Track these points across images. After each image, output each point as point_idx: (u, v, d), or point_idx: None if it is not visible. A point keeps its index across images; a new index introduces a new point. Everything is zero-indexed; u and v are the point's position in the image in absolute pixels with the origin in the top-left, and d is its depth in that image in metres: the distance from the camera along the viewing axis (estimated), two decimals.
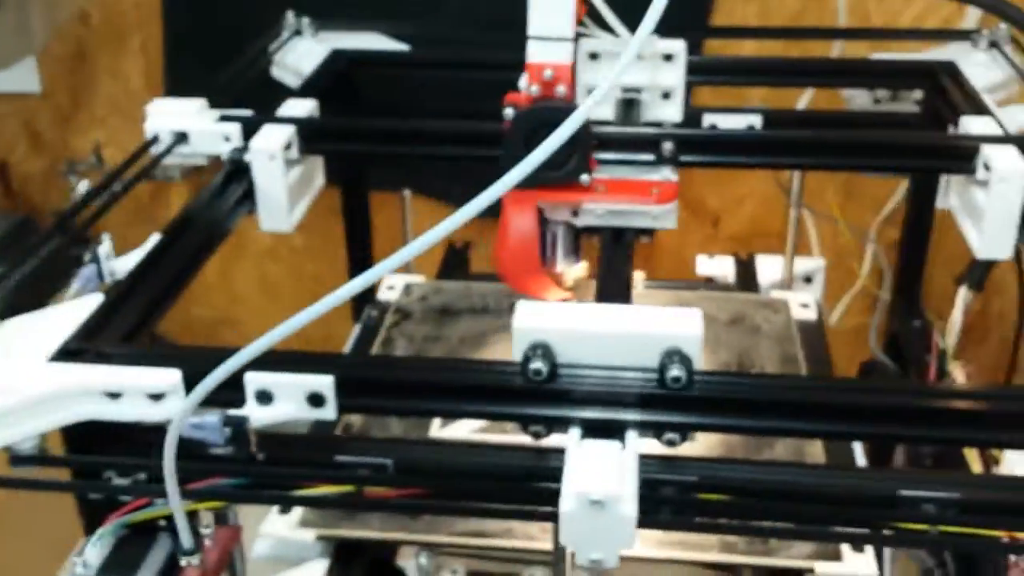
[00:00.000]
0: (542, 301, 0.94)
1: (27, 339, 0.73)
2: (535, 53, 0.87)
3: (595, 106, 1.01)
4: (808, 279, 1.31)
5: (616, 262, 0.87)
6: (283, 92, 1.13)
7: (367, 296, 1.28)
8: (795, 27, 1.61)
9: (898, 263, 1.33)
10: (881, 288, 1.44)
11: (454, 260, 1.35)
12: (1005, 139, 0.91)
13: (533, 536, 0.89)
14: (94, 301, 0.77)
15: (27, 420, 0.68)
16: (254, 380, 0.68)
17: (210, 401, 0.68)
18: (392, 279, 1.25)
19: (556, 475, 0.63)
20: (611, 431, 0.65)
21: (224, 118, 1.01)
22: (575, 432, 0.65)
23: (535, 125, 0.86)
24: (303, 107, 1.05)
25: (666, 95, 1.04)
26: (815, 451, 0.98)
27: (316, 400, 0.69)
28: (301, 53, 1.25)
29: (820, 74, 1.27)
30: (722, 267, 1.30)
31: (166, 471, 0.63)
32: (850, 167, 1.14)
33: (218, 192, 0.96)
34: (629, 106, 1.06)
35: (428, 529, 0.88)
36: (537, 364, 0.64)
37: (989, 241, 0.90)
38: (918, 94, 1.20)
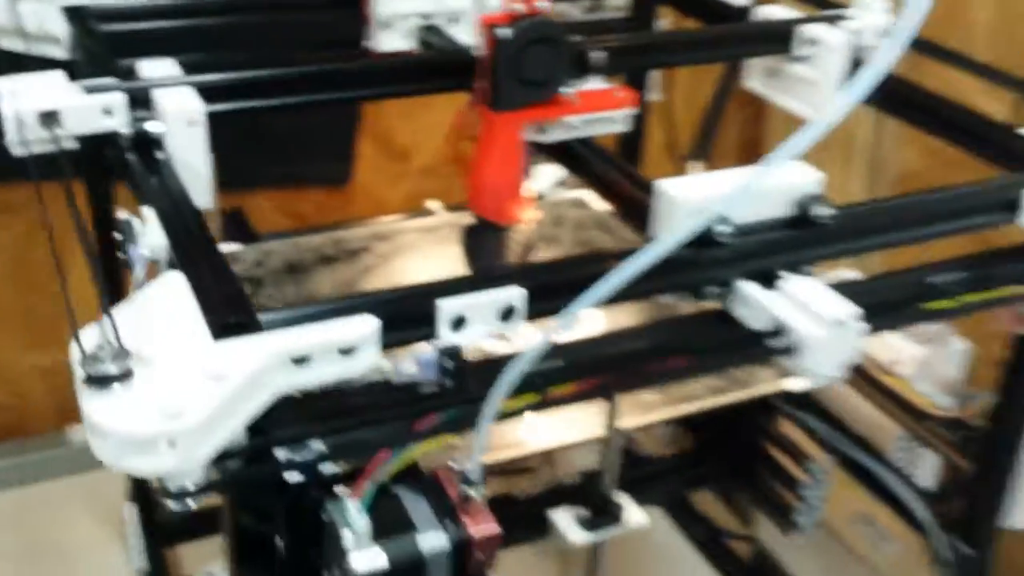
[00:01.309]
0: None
1: (159, 331, 0.61)
2: None
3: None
4: (562, 183, 1.44)
5: (616, 159, 0.92)
6: None
7: None
8: None
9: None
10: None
11: (235, 226, 1.27)
12: (822, 18, 1.10)
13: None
14: (178, 279, 0.67)
15: (238, 410, 0.59)
16: (447, 307, 0.66)
17: (394, 341, 0.66)
18: None
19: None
20: (770, 276, 0.73)
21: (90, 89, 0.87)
22: (751, 285, 0.73)
23: (525, 42, 0.86)
24: (158, 67, 0.93)
25: (454, 18, 1.12)
26: None
27: (508, 314, 0.68)
28: (32, 13, 1.08)
29: None
30: None
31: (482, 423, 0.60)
32: (675, 63, 1.27)
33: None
34: (429, 31, 1.12)
35: None
36: (721, 227, 0.71)
37: (822, 106, 1.09)
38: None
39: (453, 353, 0.66)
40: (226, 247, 1.17)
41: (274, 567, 0.68)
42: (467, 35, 1.14)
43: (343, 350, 0.63)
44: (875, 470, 1.11)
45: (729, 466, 1.05)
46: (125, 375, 0.56)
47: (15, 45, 1.12)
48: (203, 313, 0.63)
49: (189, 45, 1.12)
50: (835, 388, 1.19)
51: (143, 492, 1.44)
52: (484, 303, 0.67)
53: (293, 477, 0.64)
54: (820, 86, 1.09)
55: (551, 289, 0.69)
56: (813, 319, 0.69)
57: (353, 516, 0.62)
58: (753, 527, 1.49)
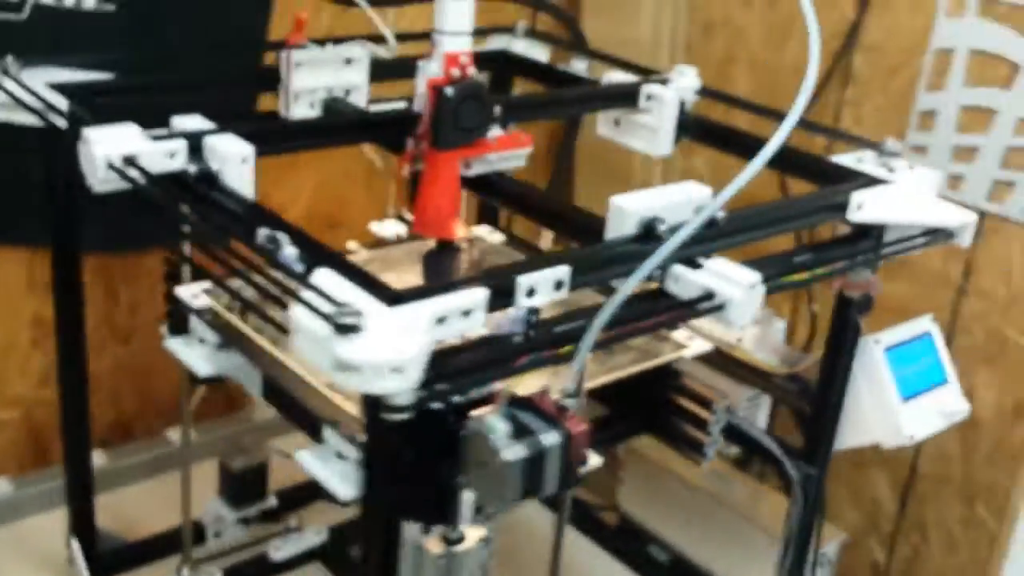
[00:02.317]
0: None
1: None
2: (450, 45, 1.18)
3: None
4: None
5: (529, 186, 1.23)
6: None
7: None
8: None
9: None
10: None
11: None
12: (655, 80, 1.48)
13: None
14: (329, 274, 0.90)
15: (422, 352, 0.84)
16: (524, 280, 0.94)
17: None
18: (186, 290, 1.33)
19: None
20: (692, 261, 1.05)
21: (156, 137, 1.08)
22: (682, 267, 1.04)
23: (462, 98, 1.16)
24: (190, 122, 1.14)
25: (350, 91, 1.41)
26: None
27: (559, 285, 0.97)
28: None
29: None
30: (394, 227, 1.62)
31: (580, 352, 0.89)
32: (563, 115, 1.60)
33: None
34: (334, 102, 1.40)
35: None
36: (662, 226, 1.02)
37: (660, 145, 1.47)
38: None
39: (534, 311, 0.94)
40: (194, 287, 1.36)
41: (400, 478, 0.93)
42: (361, 102, 1.44)
43: (464, 312, 0.90)
44: (735, 422, 1.46)
45: (643, 421, 1.36)
46: (359, 327, 0.80)
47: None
48: (368, 292, 0.87)
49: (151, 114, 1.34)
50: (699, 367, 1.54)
51: (85, 527, 1.56)
52: (546, 278, 0.96)
53: (436, 405, 0.90)
54: (658, 130, 1.46)
55: (587, 269, 0.99)
56: (733, 284, 1.02)
57: (497, 425, 0.88)
58: (614, 498, 1.82)
